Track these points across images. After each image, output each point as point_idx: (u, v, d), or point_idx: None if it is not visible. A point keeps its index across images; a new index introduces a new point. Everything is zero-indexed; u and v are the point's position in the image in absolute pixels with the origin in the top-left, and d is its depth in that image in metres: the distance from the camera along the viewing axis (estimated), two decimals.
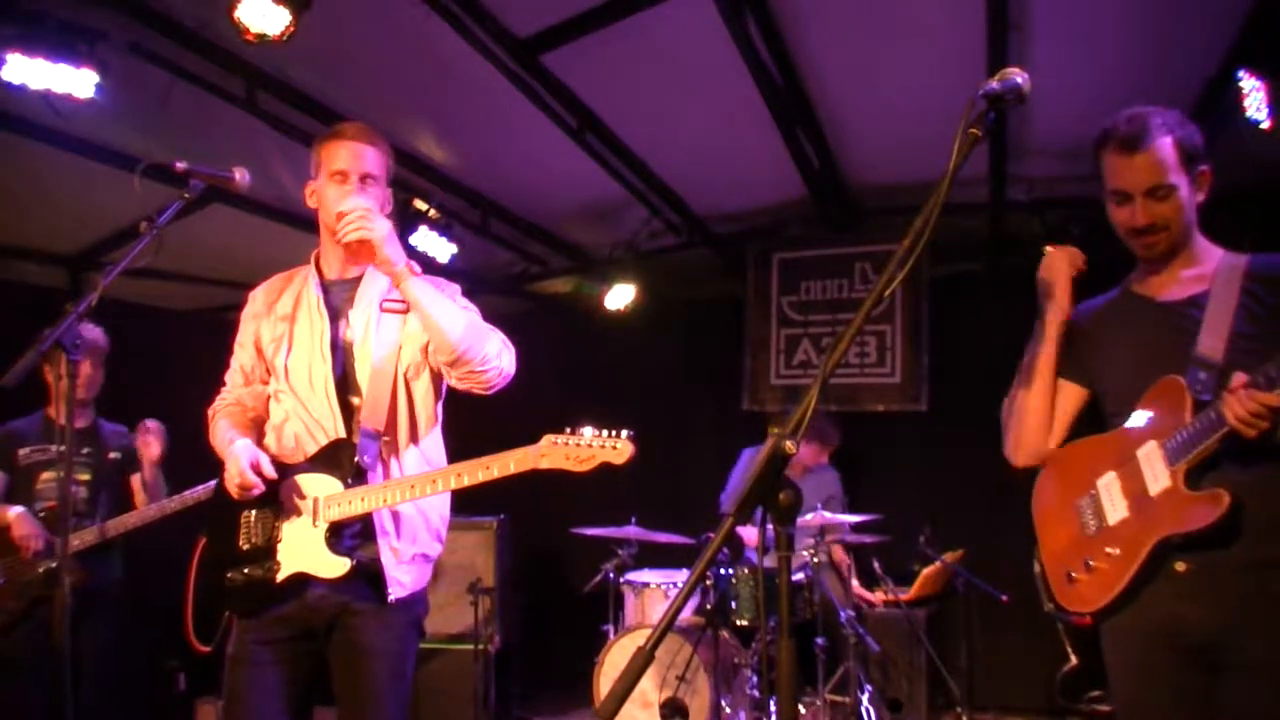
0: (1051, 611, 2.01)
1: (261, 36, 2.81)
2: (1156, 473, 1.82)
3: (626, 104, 4.08)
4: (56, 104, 3.18)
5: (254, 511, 2.22)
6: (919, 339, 5.50)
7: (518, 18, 3.37)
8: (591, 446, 1.97)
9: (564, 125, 4.03)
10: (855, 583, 4.98)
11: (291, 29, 2.81)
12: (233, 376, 2.41)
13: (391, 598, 2.15)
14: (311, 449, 2.20)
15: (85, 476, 3.55)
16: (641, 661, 1.13)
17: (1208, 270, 1.93)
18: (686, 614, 4.46)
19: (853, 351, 5.60)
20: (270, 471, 2.15)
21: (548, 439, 2.01)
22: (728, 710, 4.11)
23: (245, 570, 2.18)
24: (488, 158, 4.61)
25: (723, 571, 4.41)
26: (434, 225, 4.71)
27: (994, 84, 1.44)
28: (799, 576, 4.40)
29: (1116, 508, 1.89)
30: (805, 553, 4.34)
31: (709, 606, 4.42)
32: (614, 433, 1.98)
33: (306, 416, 2.22)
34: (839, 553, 5.00)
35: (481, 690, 4.67)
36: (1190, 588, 1.79)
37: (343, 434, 2.18)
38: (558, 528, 4.94)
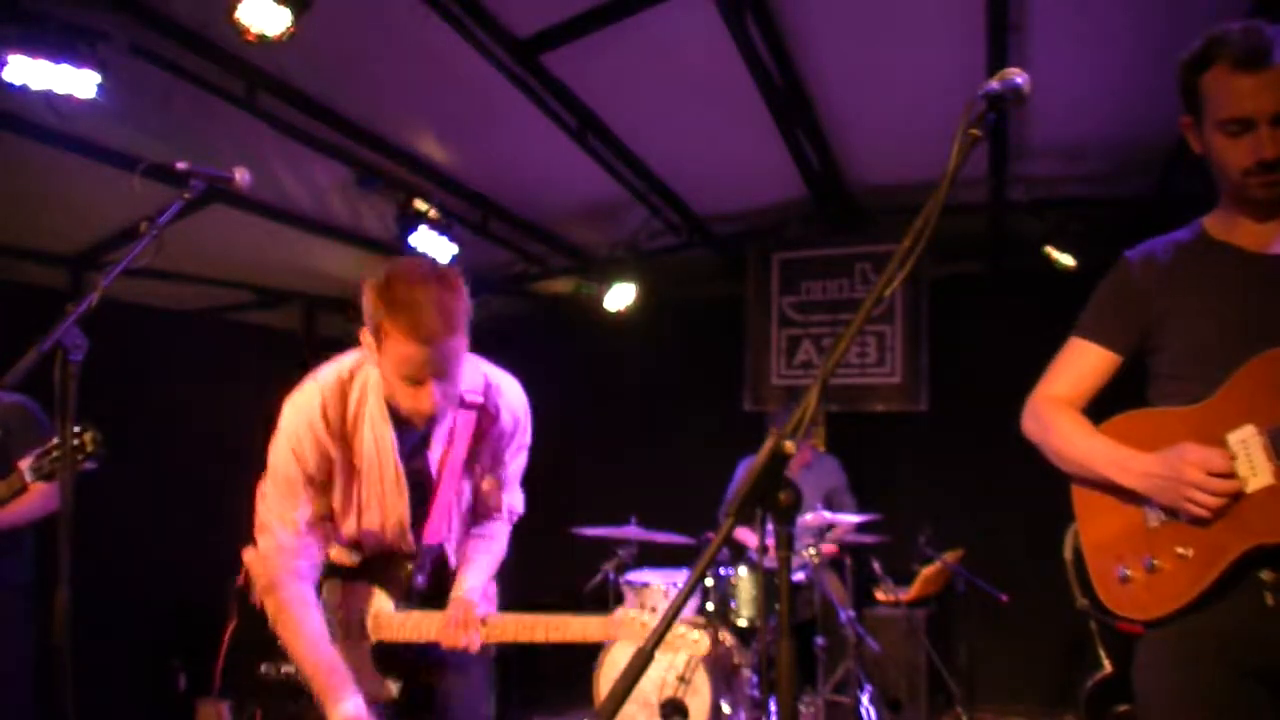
0: (1085, 609, 1.74)
1: (262, 37, 2.81)
2: (1255, 465, 1.56)
3: (626, 104, 4.07)
4: (57, 105, 3.18)
5: None
6: (919, 339, 5.50)
7: (518, 18, 3.37)
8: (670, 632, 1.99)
9: (564, 125, 4.03)
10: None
11: (292, 29, 2.82)
12: (299, 522, 2.07)
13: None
14: (373, 562, 2.20)
15: None
16: (641, 661, 1.13)
17: None
18: (686, 614, 4.45)
19: (853, 351, 5.60)
20: None
21: (622, 611, 2.03)
22: (728, 710, 4.10)
23: (281, 669, 2.12)
24: (488, 158, 4.61)
25: (723, 571, 4.40)
26: (434, 225, 4.71)
27: (994, 84, 1.40)
28: (799, 576, 4.40)
29: None
30: (805, 552, 4.34)
31: (709, 606, 4.42)
32: (691, 624, 2.03)
33: (377, 535, 2.17)
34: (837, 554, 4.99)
35: None
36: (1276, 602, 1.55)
37: (409, 548, 2.17)
38: (558, 528, 4.94)
